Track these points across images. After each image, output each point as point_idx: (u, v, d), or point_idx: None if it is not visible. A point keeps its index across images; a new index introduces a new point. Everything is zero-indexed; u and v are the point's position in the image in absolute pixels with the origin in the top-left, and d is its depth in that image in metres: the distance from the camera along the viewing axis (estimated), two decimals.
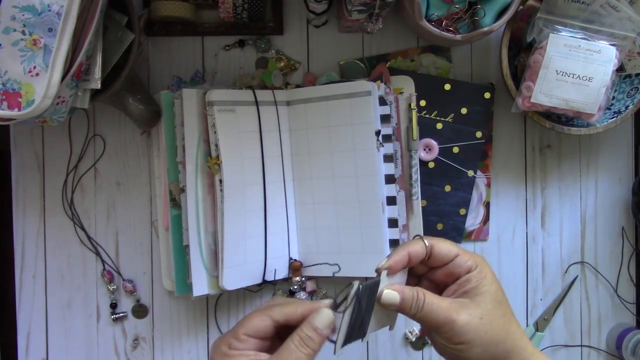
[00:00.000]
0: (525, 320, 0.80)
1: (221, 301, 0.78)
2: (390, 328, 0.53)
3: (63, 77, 0.59)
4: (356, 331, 0.50)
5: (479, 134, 0.77)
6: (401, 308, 0.50)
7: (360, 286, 0.47)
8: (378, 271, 0.50)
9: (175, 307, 0.78)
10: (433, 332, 0.50)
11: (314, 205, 0.76)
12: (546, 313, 0.80)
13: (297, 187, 0.76)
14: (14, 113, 0.58)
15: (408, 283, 0.53)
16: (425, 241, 0.51)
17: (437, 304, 0.48)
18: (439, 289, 0.53)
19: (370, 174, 0.73)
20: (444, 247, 0.51)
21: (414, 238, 0.52)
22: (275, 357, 0.45)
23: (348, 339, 0.49)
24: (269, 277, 0.74)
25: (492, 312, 0.48)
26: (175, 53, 0.78)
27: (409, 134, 0.75)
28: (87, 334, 0.78)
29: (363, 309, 0.49)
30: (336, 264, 0.74)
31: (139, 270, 0.78)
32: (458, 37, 0.69)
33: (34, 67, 0.58)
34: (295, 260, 0.76)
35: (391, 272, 0.50)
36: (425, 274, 0.54)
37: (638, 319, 0.80)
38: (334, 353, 0.46)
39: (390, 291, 0.49)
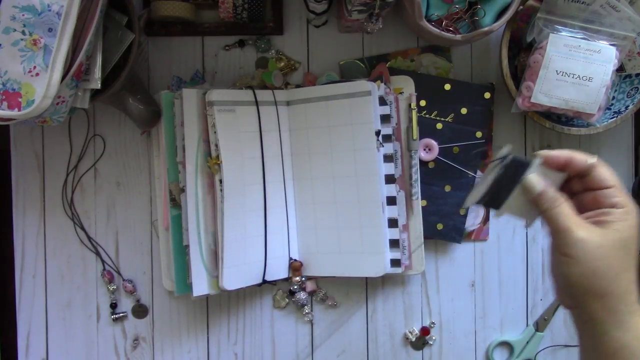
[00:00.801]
0: (525, 320, 0.80)
1: (221, 301, 0.78)
2: (527, 225, 0.53)
3: (63, 77, 0.59)
4: (493, 198, 0.51)
5: (479, 134, 0.77)
6: (537, 199, 0.49)
7: (511, 155, 0.49)
8: (536, 156, 0.50)
9: (175, 307, 0.78)
10: (551, 237, 0.49)
11: (314, 205, 0.76)
12: (546, 313, 0.80)
13: (297, 187, 0.76)
14: (14, 113, 0.58)
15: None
16: (591, 160, 0.50)
17: (567, 213, 0.48)
18: (581, 211, 0.51)
19: (370, 174, 0.73)
20: (606, 173, 0.49)
21: (586, 154, 0.50)
22: None
23: (483, 200, 0.51)
24: (269, 277, 0.74)
25: (613, 249, 0.47)
26: (175, 53, 0.78)
27: (409, 134, 0.75)
28: (87, 334, 0.78)
29: (506, 180, 0.50)
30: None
31: (139, 270, 0.78)
32: (458, 37, 0.69)
33: (34, 67, 0.58)
34: (295, 260, 0.76)
35: (547, 164, 0.50)
36: (577, 194, 0.52)
37: None
38: (463, 205, 0.48)
39: (537, 178, 0.50)
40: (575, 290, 0.47)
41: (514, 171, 0.50)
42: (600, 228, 0.48)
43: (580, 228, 0.47)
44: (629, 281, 0.48)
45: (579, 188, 0.51)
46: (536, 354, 0.79)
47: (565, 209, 0.48)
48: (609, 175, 0.50)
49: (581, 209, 0.51)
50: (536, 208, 0.50)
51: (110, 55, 0.67)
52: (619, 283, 0.47)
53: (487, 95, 0.77)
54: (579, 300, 0.47)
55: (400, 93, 0.76)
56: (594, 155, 0.50)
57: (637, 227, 0.49)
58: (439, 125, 0.77)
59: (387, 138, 0.74)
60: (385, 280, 0.79)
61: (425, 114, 0.76)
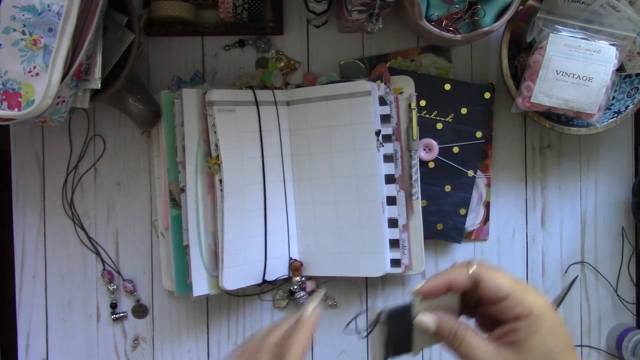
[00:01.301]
0: None
1: (221, 301, 0.78)
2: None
3: (63, 77, 0.59)
4: (398, 349, 0.48)
5: (479, 134, 0.77)
6: (437, 337, 0.46)
7: (385, 311, 0.46)
8: (412, 295, 0.47)
9: (175, 307, 0.78)
10: None
11: (314, 205, 0.76)
12: None
13: (297, 187, 0.76)
14: (14, 113, 0.58)
15: (461, 309, 0.48)
16: (472, 270, 0.45)
17: (476, 348, 0.44)
18: (492, 323, 0.46)
19: (370, 174, 0.73)
20: (493, 284, 0.44)
21: (466, 262, 0.46)
22: (288, 339, 0.46)
23: (393, 355, 0.48)
24: (269, 277, 0.74)
25: (550, 342, 0.42)
26: (175, 53, 0.78)
27: (409, 134, 0.75)
28: (87, 334, 0.78)
29: (399, 330, 0.47)
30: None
31: (139, 270, 0.78)
32: (458, 37, 0.69)
33: (34, 67, 0.58)
34: (295, 260, 0.76)
35: (427, 297, 0.46)
36: (481, 304, 0.47)
37: (638, 319, 0.80)
38: None
39: (425, 317, 0.46)
40: None
41: (400, 318, 0.47)
42: (513, 352, 0.43)
43: None
44: None
45: (479, 298, 0.46)
46: None
47: (471, 346, 0.44)
48: (497, 283, 0.44)
49: (491, 322, 0.46)
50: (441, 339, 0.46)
51: (110, 55, 0.67)
52: None
53: (487, 95, 0.77)
54: None
55: (400, 93, 0.76)
56: (472, 263, 0.45)
57: (555, 323, 0.43)
58: (439, 125, 0.77)
59: (387, 138, 0.74)
60: (385, 280, 0.79)
61: (425, 114, 0.76)
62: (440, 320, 0.45)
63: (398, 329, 0.47)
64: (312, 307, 0.48)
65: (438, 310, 0.46)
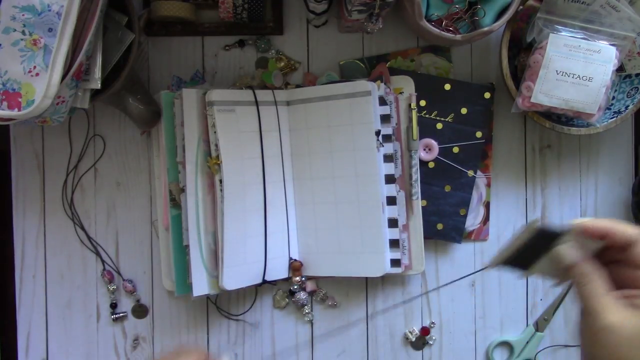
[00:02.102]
0: (525, 320, 0.80)
1: (221, 301, 0.78)
2: (556, 285, 0.50)
3: (63, 77, 0.59)
4: (520, 261, 0.49)
5: (479, 134, 0.77)
6: (568, 270, 0.46)
7: (542, 224, 0.47)
8: (571, 225, 0.47)
9: (175, 307, 0.78)
10: (582, 312, 0.46)
11: (314, 205, 0.75)
12: (546, 313, 0.80)
13: (297, 187, 0.76)
14: (14, 113, 0.58)
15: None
16: (635, 233, 0.45)
17: (599, 292, 0.44)
18: (619, 285, 0.46)
19: (370, 174, 0.73)
20: (620, 230, 0.45)
21: (629, 227, 0.46)
22: None
23: (510, 262, 0.49)
24: (269, 277, 0.74)
25: None
26: (175, 53, 0.78)
27: (409, 134, 0.75)
28: (87, 334, 0.78)
29: (537, 245, 0.48)
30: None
31: (139, 270, 0.78)
32: (458, 37, 0.69)
33: (34, 67, 0.58)
34: (295, 260, 0.76)
35: (582, 234, 0.46)
36: (616, 262, 0.47)
37: None
38: (488, 267, 0.46)
39: (569, 249, 0.46)
40: None
41: (546, 238, 0.47)
42: (635, 313, 0.43)
43: (611, 312, 0.43)
44: None
45: (619, 258, 0.46)
46: (536, 354, 0.79)
47: (596, 288, 0.44)
48: (625, 230, 0.45)
49: (619, 282, 0.46)
50: (567, 275, 0.47)
51: (110, 55, 0.67)
52: None
53: (487, 95, 0.77)
54: None
55: (400, 93, 0.76)
56: (638, 228, 0.45)
57: None
58: (439, 125, 0.77)
59: (387, 138, 0.74)
60: (385, 280, 0.79)
61: (425, 114, 0.76)
62: (579, 259, 0.46)
63: (535, 245, 0.48)
64: None
65: (582, 250, 0.46)
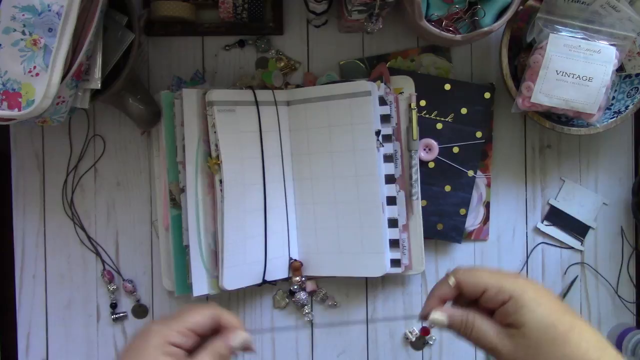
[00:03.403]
0: None
1: (221, 301, 0.78)
2: None
3: (63, 77, 0.59)
4: None
5: (479, 134, 0.77)
6: (452, 329, 0.50)
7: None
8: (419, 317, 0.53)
9: (175, 307, 0.78)
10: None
11: (314, 205, 0.75)
12: None
13: (297, 187, 0.76)
14: (14, 113, 0.58)
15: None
16: (451, 281, 0.50)
17: (485, 330, 0.48)
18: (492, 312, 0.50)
19: (370, 174, 0.73)
20: (470, 282, 0.49)
21: (445, 276, 0.51)
22: None
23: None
24: (269, 277, 0.74)
25: (539, 339, 0.46)
26: (175, 53, 0.78)
27: (409, 134, 0.75)
28: (87, 334, 0.78)
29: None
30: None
31: (139, 270, 0.78)
32: (458, 37, 0.69)
33: (34, 67, 0.58)
34: (295, 260, 0.76)
35: (424, 317, 0.52)
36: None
37: (638, 319, 0.80)
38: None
39: (438, 313, 0.50)
40: None
41: None
42: (516, 329, 0.47)
43: (503, 343, 0.47)
44: (575, 349, 0.46)
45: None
46: None
47: (481, 329, 0.48)
48: (475, 280, 0.49)
49: (490, 312, 0.49)
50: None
51: (110, 55, 0.67)
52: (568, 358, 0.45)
53: (487, 95, 0.77)
54: None
55: (400, 93, 0.76)
56: (449, 275, 0.50)
57: (539, 291, 0.47)
58: (439, 125, 0.77)
59: (387, 138, 0.74)
60: (385, 280, 0.79)
61: (425, 114, 0.76)
62: (451, 314, 0.50)
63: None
64: (239, 342, 0.49)
65: (446, 308, 0.51)
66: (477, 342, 0.49)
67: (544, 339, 0.46)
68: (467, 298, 0.50)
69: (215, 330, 0.49)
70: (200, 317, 0.48)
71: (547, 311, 0.46)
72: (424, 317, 0.51)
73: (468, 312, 0.49)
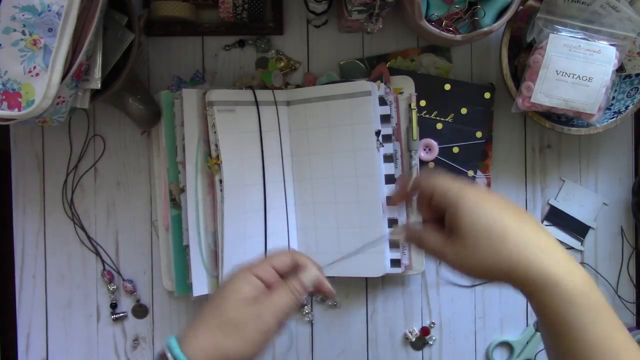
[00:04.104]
0: (525, 320, 0.80)
1: None
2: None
3: (63, 77, 0.59)
4: None
5: (479, 134, 0.77)
6: (409, 242, 0.57)
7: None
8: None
9: (175, 307, 0.78)
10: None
11: (314, 205, 0.75)
12: None
13: (297, 187, 0.76)
14: (14, 113, 0.58)
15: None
16: (409, 183, 0.57)
17: (432, 241, 0.52)
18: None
19: (370, 174, 0.73)
20: (424, 183, 0.54)
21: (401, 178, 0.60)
22: (269, 297, 0.52)
23: None
24: None
25: (476, 243, 0.48)
26: (175, 53, 0.78)
27: (409, 134, 0.75)
28: (87, 334, 0.78)
29: None
30: None
31: (139, 270, 0.78)
32: (458, 37, 0.69)
33: (34, 67, 0.58)
34: None
35: (393, 203, 0.62)
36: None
37: (638, 319, 0.80)
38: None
39: (396, 229, 0.59)
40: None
41: None
42: (456, 235, 0.50)
43: (446, 250, 0.51)
44: (513, 247, 0.47)
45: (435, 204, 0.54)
46: (536, 354, 0.79)
47: (427, 241, 0.52)
48: (428, 183, 0.53)
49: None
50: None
51: (110, 55, 0.67)
52: (507, 257, 0.47)
53: (487, 95, 0.77)
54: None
55: (400, 93, 0.76)
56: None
57: (475, 198, 0.50)
58: (439, 125, 0.77)
59: (387, 138, 0.74)
60: (385, 280, 0.79)
61: (425, 114, 0.76)
62: (406, 234, 0.56)
63: None
64: (311, 279, 0.54)
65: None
66: (428, 252, 0.53)
67: (481, 241, 0.48)
68: (425, 198, 0.54)
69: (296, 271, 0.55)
70: (282, 256, 0.55)
71: (483, 214, 0.49)
72: (393, 204, 0.62)
73: (414, 228, 0.55)
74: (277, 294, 0.52)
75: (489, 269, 0.48)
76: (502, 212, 0.49)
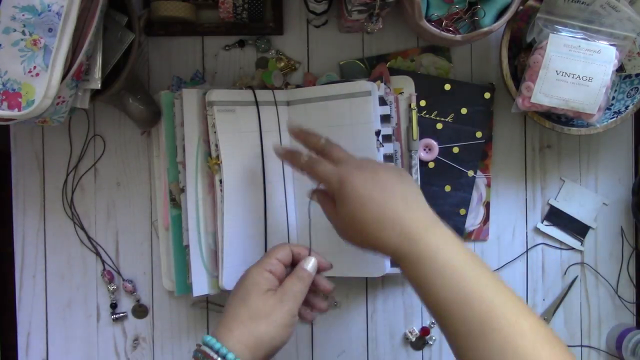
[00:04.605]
0: None
1: (221, 301, 0.78)
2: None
3: (63, 77, 0.59)
4: None
5: (479, 134, 0.77)
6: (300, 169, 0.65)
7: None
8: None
9: (175, 307, 0.78)
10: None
11: (314, 205, 0.75)
12: (546, 313, 0.80)
13: (297, 187, 0.76)
14: (14, 113, 0.58)
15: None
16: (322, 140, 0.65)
17: (327, 209, 0.62)
18: None
19: None
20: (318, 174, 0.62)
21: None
22: (283, 286, 0.60)
23: None
24: None
25: (346, 218, 0.58)
26: (175, 53, 0.78)
27: (409, 134, 0.75)
28: (87, 334, 0.78)
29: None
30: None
31: (139, 270, 0.78)
32: (458, 37, 0.69)
33: (34, 67, 0.58)
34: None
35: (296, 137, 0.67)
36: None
37: (638, 319, 0.80)
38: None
39: (278, 149, 0.67)
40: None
41: None
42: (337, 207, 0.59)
43: (332, 218, 0.61)
44: (378, 226, 0.56)
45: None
46: None
47: (323, 165, 0.61)
48: (318, 174, 0.61)
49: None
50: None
51: (110, 55, 0.67)
52: (373, 233, 0.56)
53: (487, 95, 0.77)
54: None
55: (400, 93, 0.76)
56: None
57: (355, 187, 0.57)
58: (439, 125, 0.77)
59: (387, 138, 0.74)
60: (385, 280, 0.79)
61: (425, 114, 0.76)
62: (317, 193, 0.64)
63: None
64: (311, 265, 0.62)
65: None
66: (319, 175, 0.61)
67: (352, 223, 0.57)
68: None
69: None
70: (282, 251, 0.62)
71: (347, 204, 0.57)
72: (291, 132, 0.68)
73: (322, 193, 0.63)
74: (290, 281, 0.60)
75: (360, 244, 0.59)
76: (375, 185, 0.57)
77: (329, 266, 0.65)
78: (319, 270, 0.63)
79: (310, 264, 0.63)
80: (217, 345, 0.54)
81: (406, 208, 0.56)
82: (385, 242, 0.55)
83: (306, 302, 0.63)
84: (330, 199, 0.61)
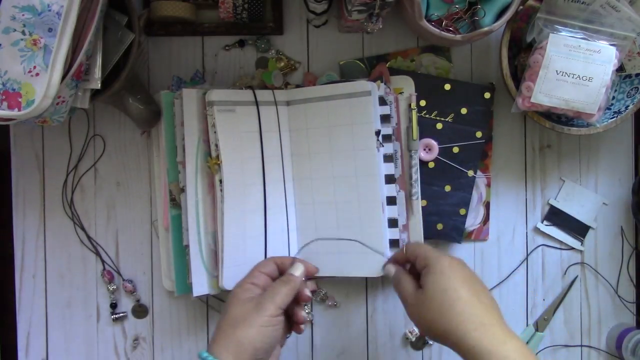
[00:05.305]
0: (525, 320, 0.80)
1: (221, 301, 0.78)
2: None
3: (63, 77, 0.59)
4: None
5: (479, 134, 0.77)
6: (392, 279, 0.68)
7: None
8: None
9: (175, 307, 0.78)
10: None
11: (314, 205, 0.75)
12: (546, 313, 0.80)
13: (297, 187, 0.76)
14: (14, 113, 0.58)
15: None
16: (403, 250, 0.69)
17: (405, 285, 0.64)
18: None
19: (370, 174, 0.73)
20: (410, 251, 0.67)
21: (404, 246, 0.70)
22: (261, 293, 0.64)
23: None
24: None
25: (430, 303, 0.59)
26: (175, 53, 0.78)
27: (409, 134, 0.75)
28: (87, 334, 0.78)
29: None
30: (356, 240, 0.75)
31: (139, 270, 0.78)
32: (458, 37, 0.69)
33: (34, 67, 0.58)
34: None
35: (398, 259, 0.71)
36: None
37: (638, 319, 0.80)
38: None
39: (389, 267, 0.70)
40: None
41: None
42: (422, 290, 0.61)
43: (411, 298, 0.62)
44: (458, 316, 0.58)
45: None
46: (536, 354, 0.79)
47: (403, 282, 0.64)
48: (415, 252, 0.65)
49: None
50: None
51: (110, 55, 0.67)
52: (448, 321, 0.58)
53: (487, 95, 0.77)
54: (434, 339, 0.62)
55: (400, 93, 0.76)
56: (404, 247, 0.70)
57: (448, 270, 0.60)
58: (439, 125, 0.77)
59: (387, 138, 0.74)
60: (385, 280, 0.79)
61: (425, 114, 0.77)
62: (397, 270, 0.68)
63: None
64: (299, 271, 0.68)
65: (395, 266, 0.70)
66: (399, 293, 0.64)
67: (434, 303, 0.59)
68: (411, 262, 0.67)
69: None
70: (266, 264, 0.68)
71: (445, 280, 0.60)
72: (383, 268, 0.71)
73: (401, 271, 0.67)
74: (271, 286, 0.65)
75: (432, 328, 0.59)
76: (461, 283, 0.60)
77: (316, 270, 0.72)
78: (307, 274, 0.68)
79: (299, 270, 0.68)
80: (204, 355, 0.59)
81: (491, 317, 0.59)
82: (468, 329, 0.57)
83: (288, 313, 0.66)
84: (413, 279, 0.64)
